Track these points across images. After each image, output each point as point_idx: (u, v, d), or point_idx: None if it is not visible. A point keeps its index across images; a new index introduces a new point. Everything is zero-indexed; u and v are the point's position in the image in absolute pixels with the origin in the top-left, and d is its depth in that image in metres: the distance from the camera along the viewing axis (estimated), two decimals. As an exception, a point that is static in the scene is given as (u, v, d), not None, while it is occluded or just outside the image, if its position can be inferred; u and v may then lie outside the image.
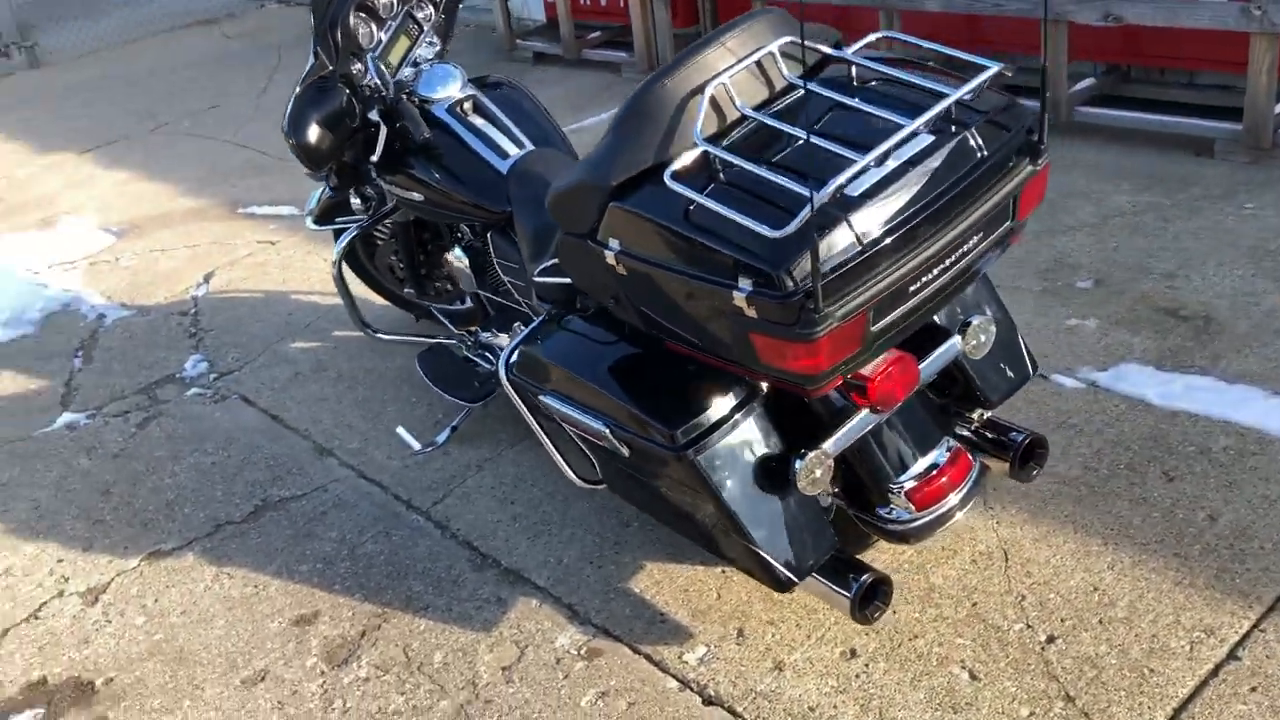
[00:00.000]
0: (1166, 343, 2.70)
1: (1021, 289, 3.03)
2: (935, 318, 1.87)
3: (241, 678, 2.16)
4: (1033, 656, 1.92)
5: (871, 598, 1.82)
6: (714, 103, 1.68)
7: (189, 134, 6.08)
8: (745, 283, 1.52)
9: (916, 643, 1.97)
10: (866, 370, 1.70)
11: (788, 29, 1.76)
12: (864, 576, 1.79)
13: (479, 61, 6.09)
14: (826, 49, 1.76)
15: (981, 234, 1.68)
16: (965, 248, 1.66)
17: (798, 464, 1.74)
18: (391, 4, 2.63)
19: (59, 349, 3.69)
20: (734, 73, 1.70)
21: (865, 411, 1.79)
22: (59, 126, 6.63)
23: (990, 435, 2.02)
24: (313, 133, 2.51)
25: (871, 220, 1.54)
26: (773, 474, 1.77)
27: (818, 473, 1.76)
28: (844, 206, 1.53)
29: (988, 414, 2.03)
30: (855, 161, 1.51)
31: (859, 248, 1.53)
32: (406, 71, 2.64)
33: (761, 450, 1.78)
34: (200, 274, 4.14)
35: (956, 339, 1.87)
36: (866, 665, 1.95)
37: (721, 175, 1.64)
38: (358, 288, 3.15)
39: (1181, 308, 2.83)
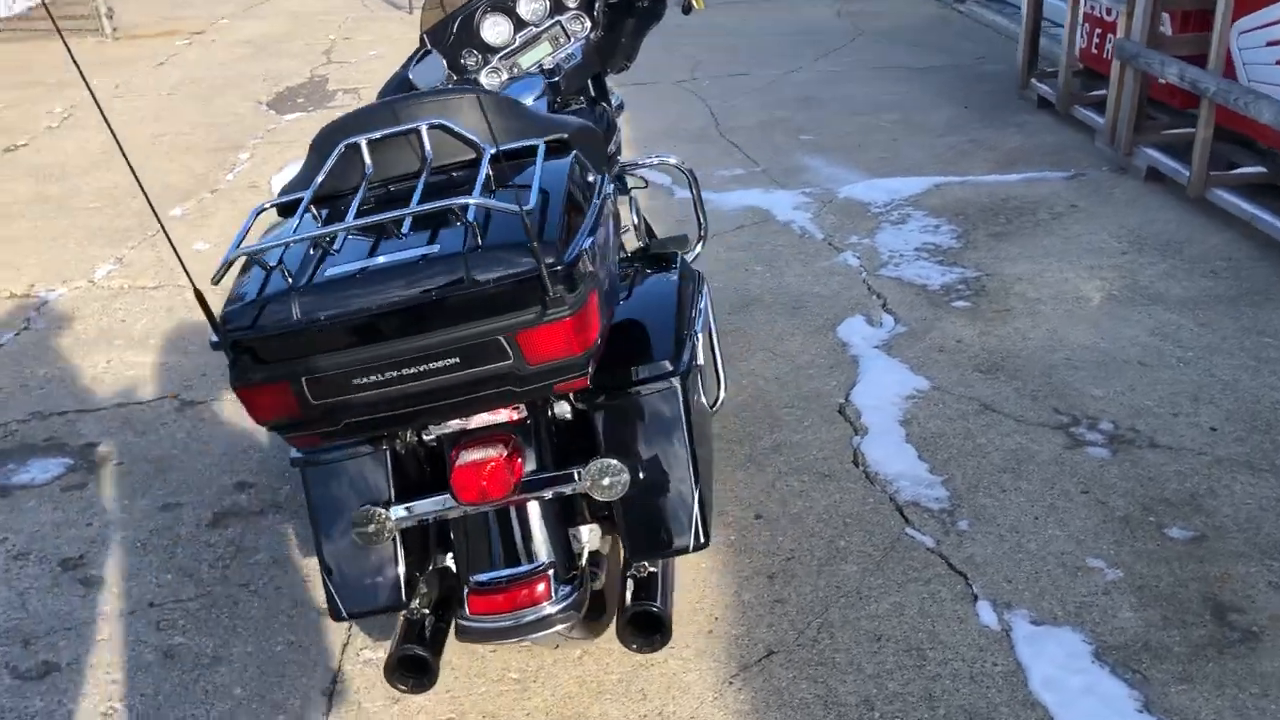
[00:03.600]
0: None
1: None
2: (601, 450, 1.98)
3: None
4: None
5: (410, 669, 2.00)
6: (348, 158, 1.94)
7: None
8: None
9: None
10: (460, 459, 1.86)
11: (461, 113, 1.96)
12: (409, 648, 1.97)
13: (981, 93, 6.26)
14: (479, 142, 1.92)
15: (459, 360, 1.71)
16: (433, 366, 1.71)
17: (352, 512, 1.95)
18: (542, 10, 2.93)
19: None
20: (374, 136, 1.94)
21: (446, 495, 1.93)
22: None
23: (633, 588, 2.05)
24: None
25: (322, 303, 1.69)
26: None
27: (369, 528, 1.95)
28: (310, 282, 1.73)
29: (648, 566, 2.06)
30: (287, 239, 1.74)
31: (293, 321, 1.68)
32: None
33: (362, 490, 2.00)
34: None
35: (581, 472, 1.93)
36: None
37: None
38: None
39: None
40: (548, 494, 2.00)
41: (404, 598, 2.05)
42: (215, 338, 1.73)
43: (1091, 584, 2.49)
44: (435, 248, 1.73)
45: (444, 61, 2.86)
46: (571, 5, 3.13)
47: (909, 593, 2.51)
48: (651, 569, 2.10)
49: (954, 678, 2.27)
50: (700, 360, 2.53)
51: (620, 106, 3.48)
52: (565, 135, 2.02)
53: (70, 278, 4.61)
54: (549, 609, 1.98)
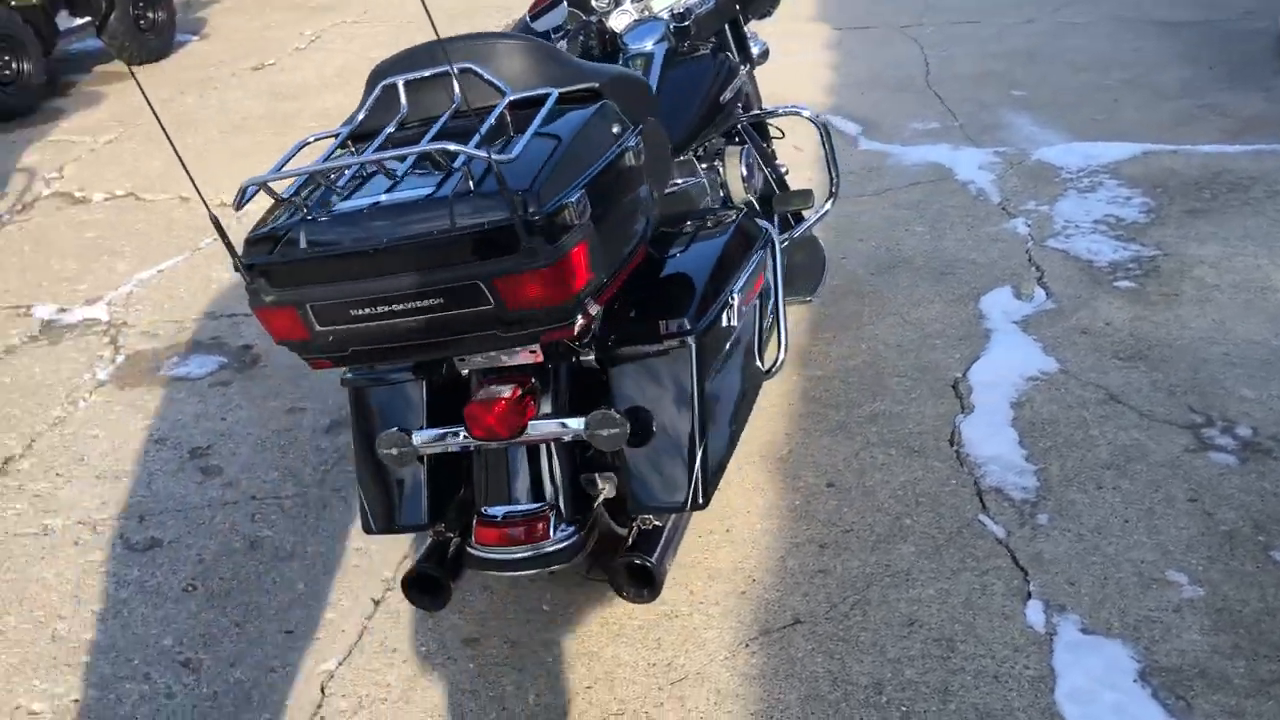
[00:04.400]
0: None
1: None
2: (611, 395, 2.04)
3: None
4: None
5: (424, 589, 2.10)
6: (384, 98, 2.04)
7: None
8: None
9: None
10: (477, 395, 1.98)
11: (498, 58, 2.00)
12: (424, 567, 2.09)
13: (1235, 53, 5.68)
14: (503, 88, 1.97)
15: (443, 301, 1.76)
16: (421, 304, 1.77)
17: (380, 434, 2.07)
18: None
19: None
20: (409, 78, 2.02)
21: (461, 428, 2.02)
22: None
23: (635, 538, 2.09)
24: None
25: (321, 236, 1.80)
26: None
27: (394, 450, 2.07)
28: (315, 216, 1.84)
29: (653, 519, 2.09)
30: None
31: (295, 252, 1.80)
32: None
33: (398, 414, 2.13)
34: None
35: (579, 421, 1.98)
36: None
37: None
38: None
39: None
40: (549, 438, 2.05)
41: (426, 520, 2.17)
42: (234, 261, 1.87)
43: (1163, 599, 2.30)
44: (430, 190, 1.80)
45: (565, 3, 2.91)
46: None
47: (960, 581, 2.40)
48: (658, 523, 2.12)
49: (977, 674, 2.17)
50: (765, 320, 2.50)
51: (765, 54, 3.42)
52: (596, 85, 2.02)
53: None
54: (547, 548, 2.05)
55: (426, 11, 1.68)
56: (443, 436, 2.11)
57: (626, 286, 2.13)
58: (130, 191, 5.27)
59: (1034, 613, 2.30)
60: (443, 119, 1.94)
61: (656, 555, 2.06)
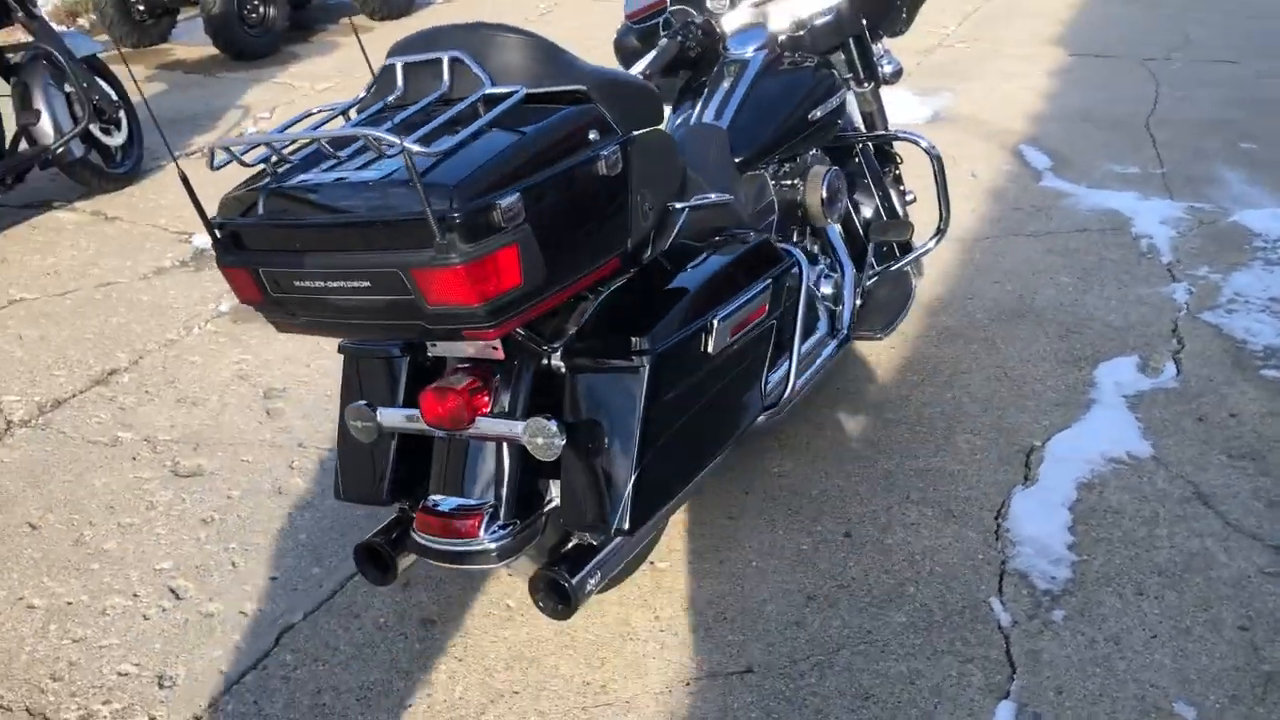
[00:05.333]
0: None
1: None
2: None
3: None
4: None
5: (373, 562, 2.15)
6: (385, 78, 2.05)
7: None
8: None
9: None
10: (438, 382, 2.02)
11: (494, 49, 1.96)
12: (373, 540, 2.13)
13: None
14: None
15: (370, 285, 1.76)
16: (351, 285, 1.78)
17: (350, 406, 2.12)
18: None
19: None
20: (407, 60, 2.01)
21: (416, 410, 2.02)
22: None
23: (566, 550, 2.09)
24: (626, 42, 2.97)
25: (271, 206, 1.84)
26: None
27: (358, 423, 2.11)
28: (280, 183, 1.86)
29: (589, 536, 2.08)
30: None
31: (256, 216, 1.85)
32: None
33: (377, 387, 2.18)
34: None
35: (521, 425, 1.96)
36: None
37: None
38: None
39: None
40: (496, 436, 2.03)
41: (385, 497, 2.20)
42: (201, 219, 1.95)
43: (1156, 732, 2.04)
44: (373, 174, 1.81)
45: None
46: None
47: (938, 664, 2.21)
48: (593, 541, 2.07)
49: (911, 769, 2.00)
50: (775, 350, 2.37)
51: (897, 73, 3.26)
52: (583, 88, 1.96)
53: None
54: (473, 546, 2.04)
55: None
56: (405, 417, 2.13)
57: (620, 293, 2.08)
58: (319, 139, 5.60)
59: (1003, 713, 2.09)
60: (420, 104, 1.94)
61: (580, 575, 2.01)
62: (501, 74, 1.97)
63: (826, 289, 2.89)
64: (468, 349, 2.14)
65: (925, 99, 5.82)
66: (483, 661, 2.30)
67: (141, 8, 7.31)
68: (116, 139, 4.96)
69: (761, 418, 2.36)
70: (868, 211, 3.24)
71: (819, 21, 3.01)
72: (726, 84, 2.82)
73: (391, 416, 2.13)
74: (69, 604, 2.52)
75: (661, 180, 2.11)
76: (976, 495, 2.71)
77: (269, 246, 1.87)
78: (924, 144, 3.15)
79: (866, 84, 3.18)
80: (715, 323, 2.11)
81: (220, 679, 2.29)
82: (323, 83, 6.50)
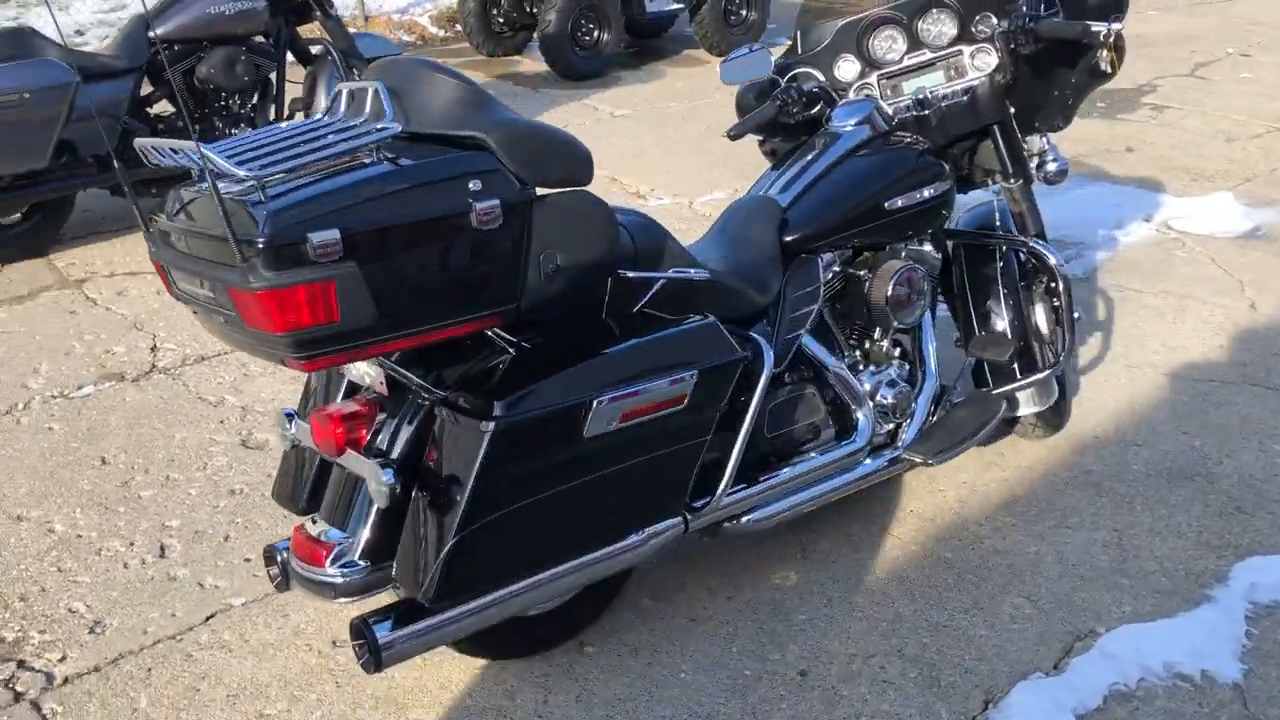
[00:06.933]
0: None
1: None
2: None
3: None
4: None
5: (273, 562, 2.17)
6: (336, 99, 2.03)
7: None
8: None
9: None
10: (332, 405, 2.07)
11: (427, 88, 1.93)
12: (276, 545, 2.18)
13: None
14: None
15: (214, 296, 1.78)
16: (201, 294, 1.82)
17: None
18: (946, 35, 2.67)
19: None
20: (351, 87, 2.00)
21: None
22: None
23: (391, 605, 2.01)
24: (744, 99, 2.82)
25: (175, 207, 1.90)
26: None
27: (278, 430, 2.21)
28: (183, 186, 1.91)
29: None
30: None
31: (167, 215, 1.92)
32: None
33: (322, 395, 2.24)
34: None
35: (369, 465, 1.93)
36: None
37: None
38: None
39: None
40: (357, 471, 2.00)
41: (300, 506, 2.24)
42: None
43: None
44: (232, 187, 1.80)
45: (770, 57, 2.69)
46: (982, 37, 2.67)
47: None
48: (408, 596, 1.97)
49: None
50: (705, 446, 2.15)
51: (1061, 172, 2.88)
52: (482, 136, 1.86)
53: (682, 193, 5.20)
54: (320, 577, 2.04)
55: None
56: (295, 432, 2.18)
57: (516, 352, 1.97)
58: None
59: None
60: (336, 127, 1.94)
61: (398, 634, 1.93)
62: (417, 112, 1.94)
63: (886, 397, 2.58)
64: (365, 378, 2.13)
65: (1253, 210, 5.03)
66: (367, 684, 2.26)
67: (501, 20, 7.91)
68: (390, 135, 5.40)
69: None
70: (998, 323, 2.86)
71: (949, 103, 2.69)
72: (809, 156, 2.61)
73: (301, 429, 2.16)
74: (79, 537, 2.77)
75: (580, 244, 1.96)
76: (982, 670, 2.29)
77: (166, 246, 1.95)
78: (1052, 260, 2.74)
79: (1014, 180, 2.81)
80: (597, 403, 1.94)
81: (138, 640, 2.42)
82: (622, 109, 6.70)
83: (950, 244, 2.94)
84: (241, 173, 1.69)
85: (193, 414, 3.33)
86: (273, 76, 4.99)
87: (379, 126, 1.85)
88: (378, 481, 1.90)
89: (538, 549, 2.00)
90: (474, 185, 1.82)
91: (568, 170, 1.93)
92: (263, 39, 4.92)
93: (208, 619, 2.48)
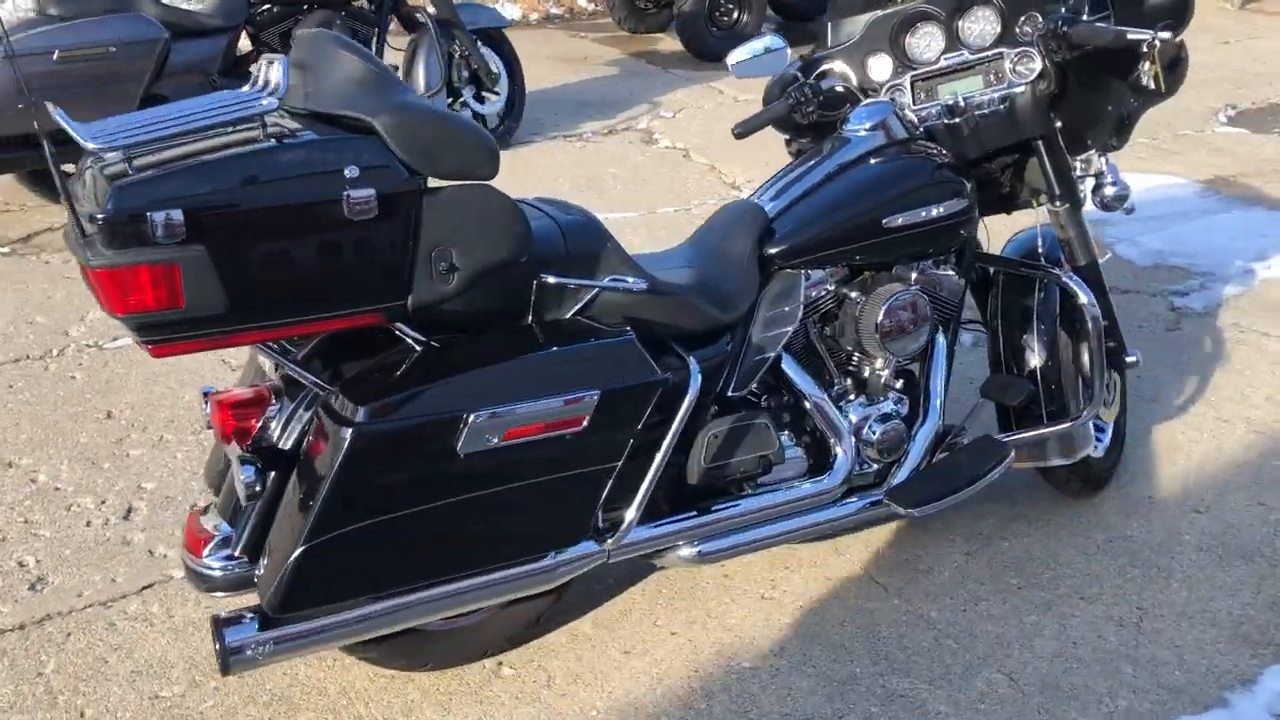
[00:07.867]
0: None
1: None
2: None
3: None
4: None
5: None
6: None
7: None
8: None
9: None
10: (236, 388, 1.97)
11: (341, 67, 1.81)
12: None
13: None
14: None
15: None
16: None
17: None
18: (987, 35, 2.40)
19: None
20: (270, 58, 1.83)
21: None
22: None
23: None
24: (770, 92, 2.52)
25: None
26: None
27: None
28: None
29: None
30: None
31: None
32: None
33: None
34: None
35: (237, 458, 1.84)
36: None
37: None
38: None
39: None
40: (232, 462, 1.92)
41: (218, 489, 2.18)
42: None
43: None
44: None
45: (788, 52, 2.46)
46: (1025, 40, 2.38)
47: None
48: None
49: None
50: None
51: (1120, 198, 2.57)
52: (369, 120, 1.72)
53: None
54: (195, 566, 1.99)
55: None
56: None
57: (402, 356, 1.85)
58: (685, 148, 5.59)
59: None
60: (246, 99, 1.84)
61: (241, 633, 1.84)
62: (318, 90, 1.83)
63: (874, 432, 2.34)
64: (265, 366, 2.05)
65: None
66: (251, 692, 2.19)
67: (646, -4, 7.79)
68: (489, 107, 5.34)
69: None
70: (1031, 360, 2.56)
71: (985, 112, 2.40)
72: (811, 161, 2.39)
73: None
74: (56, 489, 2.80)
75: (480, 242, 1.81)
76: (931, 755, 2.04)
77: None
78: (1083, 298, 2.42)
79: (1059, 203, 2.50)
80: (473, 418, 1.79)
81: (70, 602, 2.41)
82: (748, 94, 6.44)
83: (990, 270, 2.66)
84: (90, 145, 1.61)
85: (210, 376, 3.33)
86: (373, 42, 5.00)
87: (261, 101, 1.74)
88: (237, 476, 1.81)
89: (404, 568, 1.87)
90: (350, 172, 1.69)
91: (466, 163, 1.78)
92: (365, 3, 4.93)
93: (143, 589, 2.45)
